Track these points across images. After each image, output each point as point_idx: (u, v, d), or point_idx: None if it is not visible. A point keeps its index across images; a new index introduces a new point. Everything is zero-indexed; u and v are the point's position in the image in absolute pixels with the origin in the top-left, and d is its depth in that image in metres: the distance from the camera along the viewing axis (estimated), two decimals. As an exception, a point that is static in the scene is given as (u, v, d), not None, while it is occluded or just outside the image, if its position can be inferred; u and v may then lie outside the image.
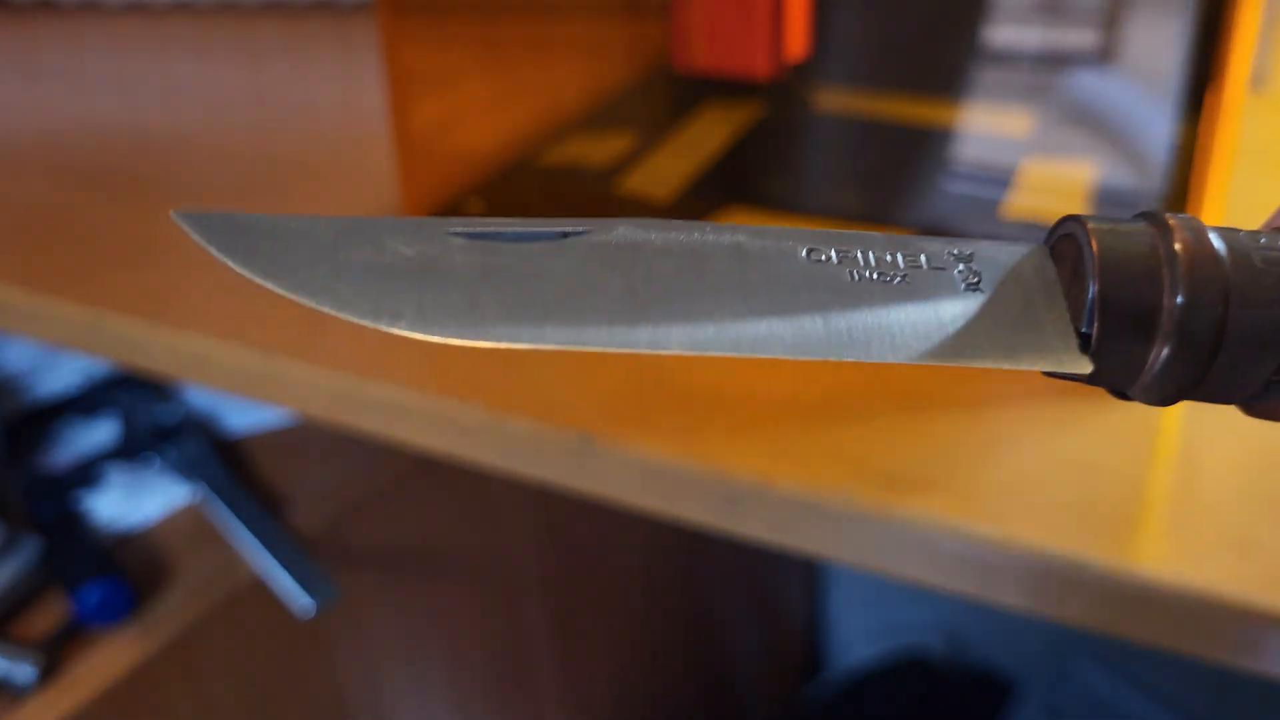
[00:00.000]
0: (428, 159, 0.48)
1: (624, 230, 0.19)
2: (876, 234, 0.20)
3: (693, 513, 0.37)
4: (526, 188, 0.51)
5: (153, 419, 0.71)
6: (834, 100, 0.49)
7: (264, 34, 0.86)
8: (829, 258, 0.19)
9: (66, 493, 0.66)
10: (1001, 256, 0.19)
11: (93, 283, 0.49)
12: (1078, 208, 0.43)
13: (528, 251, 0.19)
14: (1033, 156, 0.45)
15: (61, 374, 0.75)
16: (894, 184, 0.48)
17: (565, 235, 0.19)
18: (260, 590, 0.61)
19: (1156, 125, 0.41)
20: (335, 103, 0.72)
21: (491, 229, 0.19)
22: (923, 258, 0.19)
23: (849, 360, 0.18)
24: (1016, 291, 0.19)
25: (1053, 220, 0.41)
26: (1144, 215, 0.19)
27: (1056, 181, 0.45)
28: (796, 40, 0.45)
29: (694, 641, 1.06)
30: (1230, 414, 0.37)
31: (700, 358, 0.42)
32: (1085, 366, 0.18)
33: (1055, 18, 0.43)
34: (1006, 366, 0.18)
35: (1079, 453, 0.36)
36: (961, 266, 0.19)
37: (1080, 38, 0.43)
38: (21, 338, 0.52)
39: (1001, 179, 0.45)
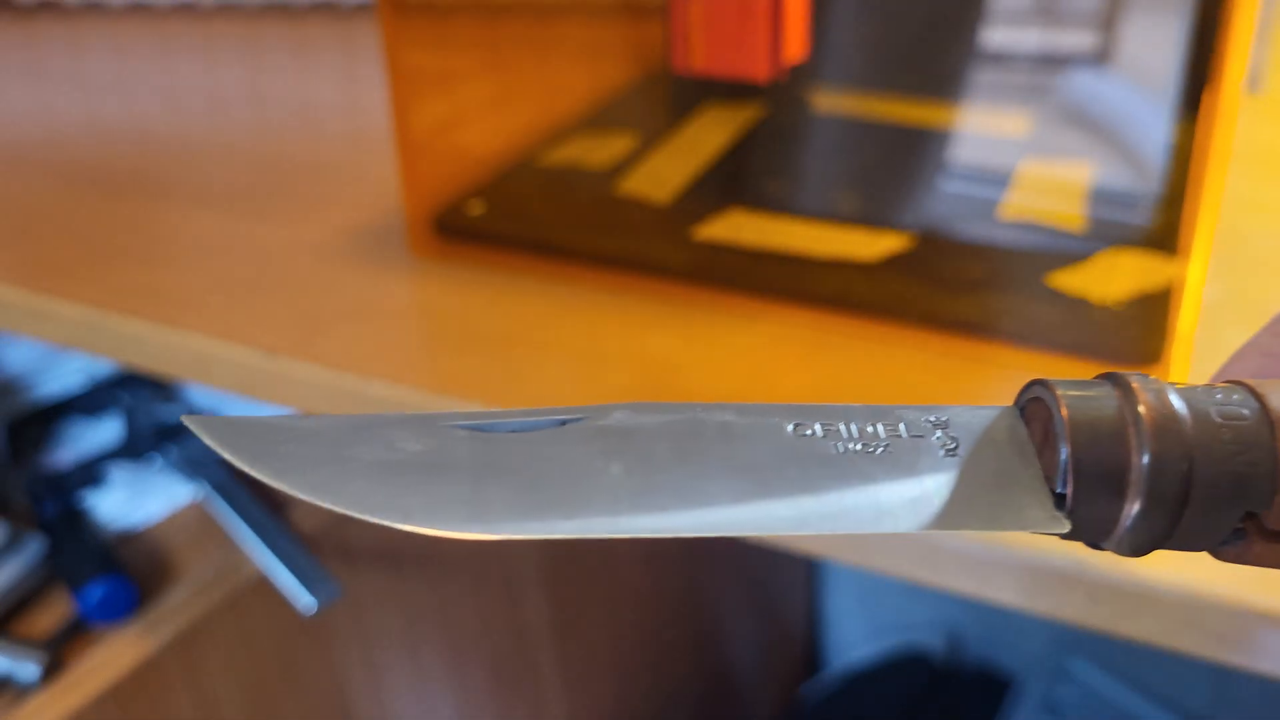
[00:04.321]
0: (429, 159, 0.48)
1: (619, 415, 0.20)
2: (857, 406, 0.21)
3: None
4: (527, 188, 0.52)
5: (155, 418, 0.71)
6: (832, 102, 0.49)
7: (266, 34, 0.86)
8: (814, 431, 0.20)
9: (70, 492, 0.66)
10: (976, 421, 0.21)
11: (96, 283, 0.49)
12: (1075, 208, 0.44)
13: (528, 441, 0.19)
14: (1030, 157, 0.46)
15: (64, 374, 0.75)
16: (892, 185, 0.48)
17: (563, 423, 0.20)
18: (262, 588, 0.61)
19: (1153, 126, 0.42)
20: (337, 103, 0.72)
21: (493, 421, 0.20)
22: (902, 426, 0.20)
23: (843, 533, 0.19)
24: (992, 455, 0.20)
25: (1048, 222, 0.41)
26: (1107, 377, 0.20)
27: (1054, 182, 0.45)
28: (795, 42, 0.46)
29: (694, 639, 1.06)
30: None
31: (699, 358, 0.42)
32: (1063, 526, 0.19)
33: (1052, 19, 0.44)
34: (989, 530, 0.19)
35: None
36: (939, 433, 0.20)
37: (1077, 39, 0.43)
38: (25, 337, 0.52)
39: (999, 180, 0.45)
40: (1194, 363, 0.38)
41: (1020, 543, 0.32)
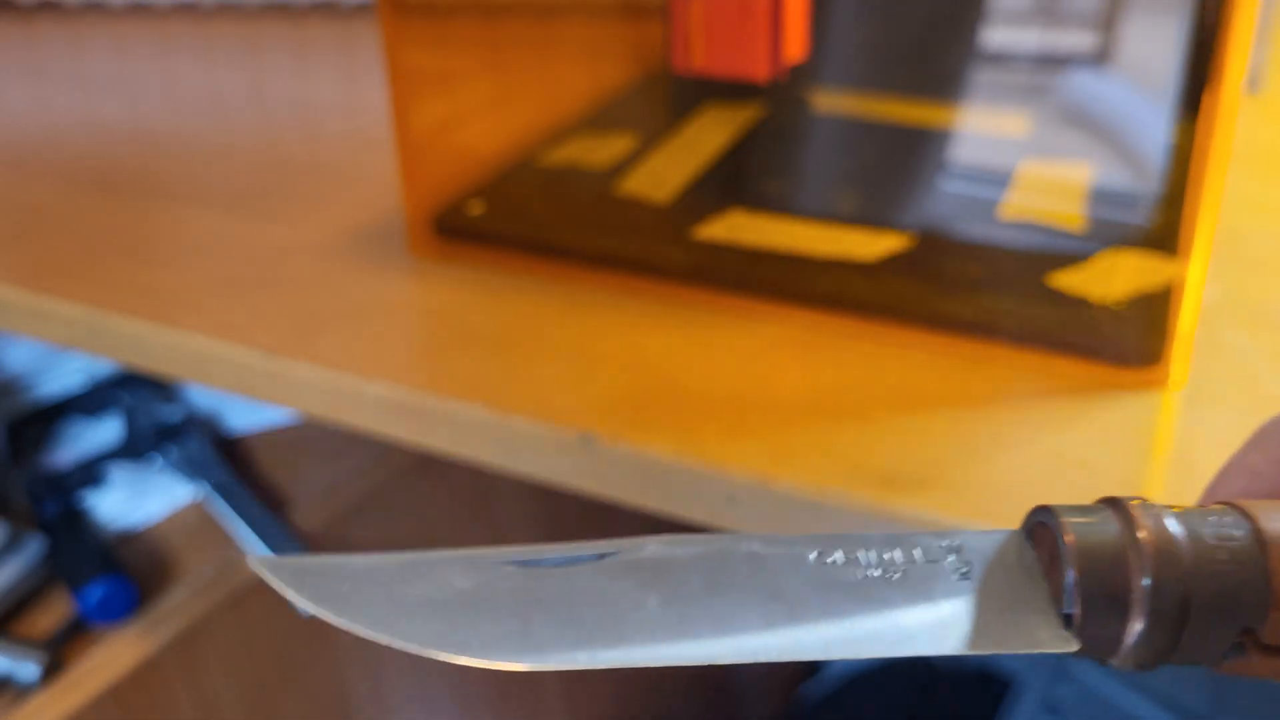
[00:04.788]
0: (429, 159, 0.48)
1: (653, 548, 0.22)
2: (875, 534, 0.22)
3: (692, 511, 0.37)
4: (526, 188, 0.52)
5: (155, 418, 0.71)
6: (832, 102, 0.49)
7: (266, 34, 0.86)
8: (836, 560, 0.22)
9: (70, 492, 0.66)
10: (987, 546, 0.22)
11: (95, 283, 0.49)
12: (1075, 209, 0.44)
13: (570, 575, 0.21)
14: (1030, 158, 0.46)
15: (65, 374, 0.75)
16: (892, 185, 0.48)
17: (601, 557, 0.21)
18: (262, 588, 0.60)
19: (1153, 127, 0.42)
20: (336, 103, 0.72)
21: (536, 557, 0.21)
22: (917, 552, 0.22)
23: (866, 657, 0.20)
24: (1003, 578, 0.22)
25: (1054, 222, 0.41)
26: (1107, 502, 0.21)
27: (1054, 183, 0.45)
28: (795, 42, 0.46)
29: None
30: (1222, 415, 0.37)
31: (698, 358, 0.42)
32: (1071, 645, 0.21)
33: (1052, 20, 0.44)
34: (1001, 652, 0.21)
35: (1074, 452, 0.36)
36: (952, 558, 0.22)
37: (1077, 40, 0.43)
38: (25, 338, 0.52)
39: (999, 180, 0.45)
40: (1194, 362, 0.38)
41: None
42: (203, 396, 0.76)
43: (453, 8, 0.48)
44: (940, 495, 0.34)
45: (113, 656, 0.56)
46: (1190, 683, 1.01)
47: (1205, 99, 0.36)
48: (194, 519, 0.66)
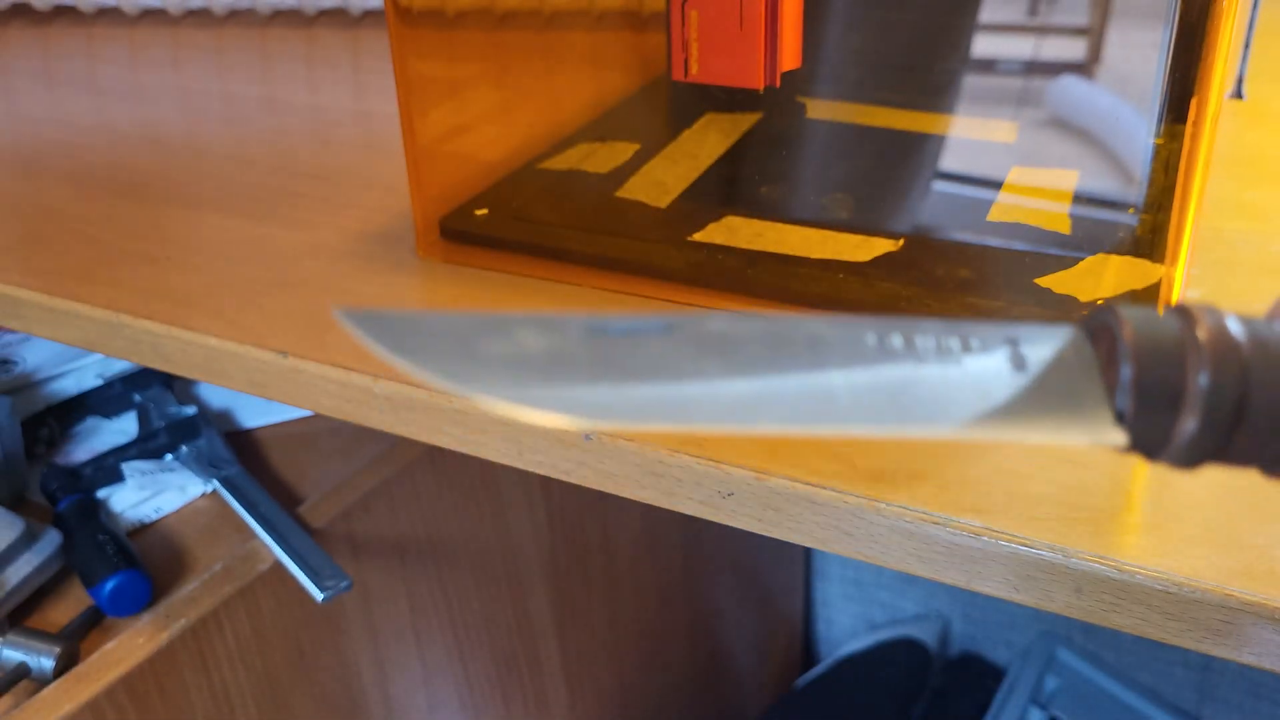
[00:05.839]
0: (436, 165, 0.49)
1: (717, 323, 0.21)
2: (935, 320, 0.22)
3: (690, 505, 0.38)
4: (531, 193, 0.52)
5: (169, 415, 0.71)
6: (826, 109, 0.50)
7: (275, 40, 0.86)
8: (895, 343, 0.21)
9: (85, 487, 0.66)
10: (1045, 340, 0.21)
11: (111, 285, 0.50)
12: (1062, 213, 0.45)
13: (637, 343, 0.21)
14: (1018, 163, 0.46)
15: (80, 372, 0.75)
16: (884, 190, 0.49)
17: (668, 328, 0.21)
18: (274, 580, 0.61)
19: (1138, 133, 0.43)
20: (345, 108, 0.72)
21: (605, 324, 0.21)
22: (975, 341, 0.21)
23: (913, 435, 0.20)
24: (1059, 372, 0.21)
25: (1042, 226, 0.42)
26: (1173, 309, 0.21)
27: (1041, 188, 0.46)
28: (790, 51, 0.46)
29: (692, 631, 1.06)
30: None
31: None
32: (1121, 439, 0.20)
33: (1040, 29, 0.44)
34: (1052, 439, 0.20)
35: (1062, 448, 0.36)
36: (1010, 349, 0.21)
37: (1065, 48, 0.44)
38: (42, 339, 0.52)
39: (988, 185, 0.46)
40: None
41: (1008, 535, 0.33)
42: (215, 393, 0.76)
43: (459, 18, 0.49)
44: (931, 490, 0.35)
45: (127, 649, 0.56)
46: (1176, 673, 1.02)
47: (1190, 106, 0.36)
48: (207, 513, 0.66)
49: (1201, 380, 0.19)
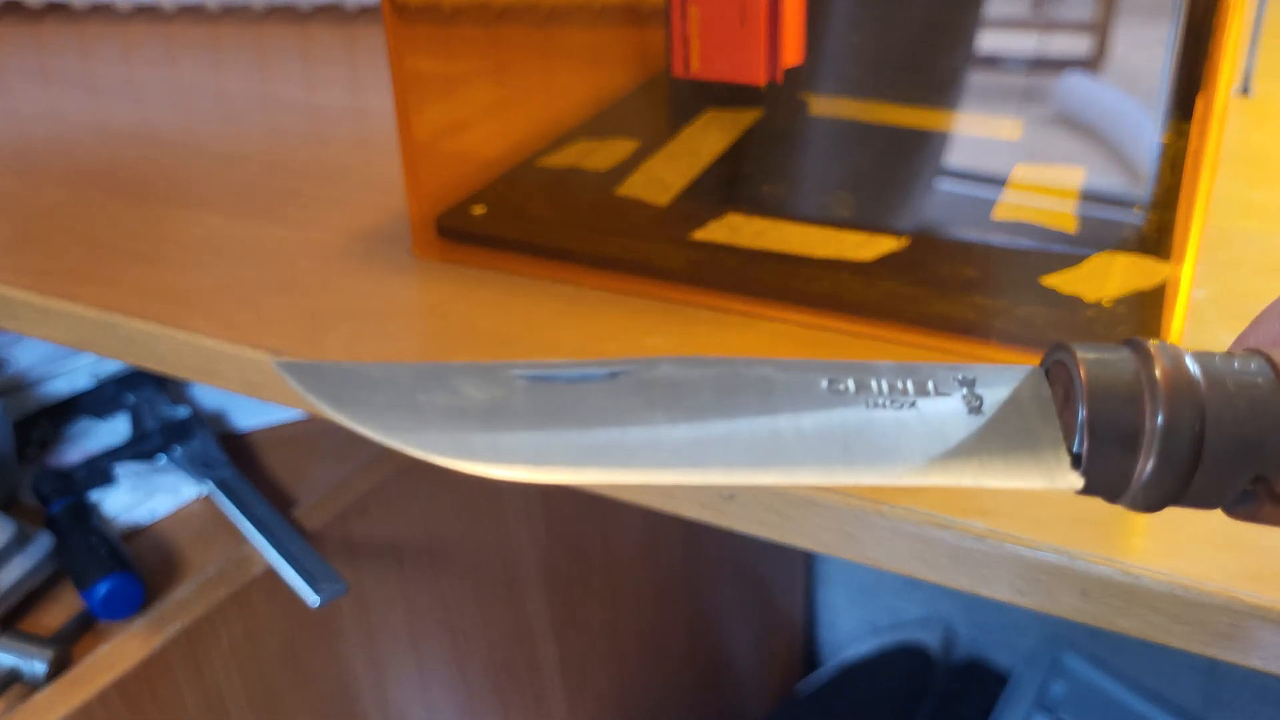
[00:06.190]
0: (433, 163, 0.49)
1: (665, 368, 0.21)
2: (888, 363, 0.21)
3: (691, 508, 0.37)
4: (528, 191, 0.52)
5: (162, 416, 0.71)
6: (829, 106, 0.50)
7: (270, 36, 0.86)
8: (847, 387, 0.21)
9: (77, 489, 0.66)
10: (1001, 381, 0.21)
11: (104, 285, 0.50)
12: (1068, 211, 0.44)
13: (582, 391, 0.21)
14: (1024, 161, 0.46)
15: (72, 372, 0.75)
16: (888, 188, 0.48)
17: (614, 375, 0.21)
18: (268, 584, 0.61)
19: (1145, 131, 0.42)
20: (341, 105, 0.72)
21: (549, 372, 0.21)
22: (930, 384, 0.21)
23: (863, 484, 0.20)
24: (1015, 414, 0.21)
25: (1047, 224, 0.41)
26: (1128, 343, 0.20)
27: (1047, 185, 0.46)
28: (792, 47, 0.46)
29: (691, 635, 1.06)
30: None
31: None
32: (1077, 482, 0.20)
33: (1046, 25, 0.44)
34: (1008, 484, 0.20)
35: None
36: (965, 391, 0.21)
37: (1070, 44, 0.44)
38: (34, 338, 0.52)
39: (993, 183, 0.46)
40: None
41: (1014, 538, 0.33)
42: (209, 394, 0.76)
43: (456, 13, 0.49)
44: (934, 492, 0.34)
45: (119, 652, 0.56)
46: (1183, 677, 1.01)
47: (1196, 103, 0.36)
48: (200, 516, 0.66)
49: (1159, 421, 0.19)
